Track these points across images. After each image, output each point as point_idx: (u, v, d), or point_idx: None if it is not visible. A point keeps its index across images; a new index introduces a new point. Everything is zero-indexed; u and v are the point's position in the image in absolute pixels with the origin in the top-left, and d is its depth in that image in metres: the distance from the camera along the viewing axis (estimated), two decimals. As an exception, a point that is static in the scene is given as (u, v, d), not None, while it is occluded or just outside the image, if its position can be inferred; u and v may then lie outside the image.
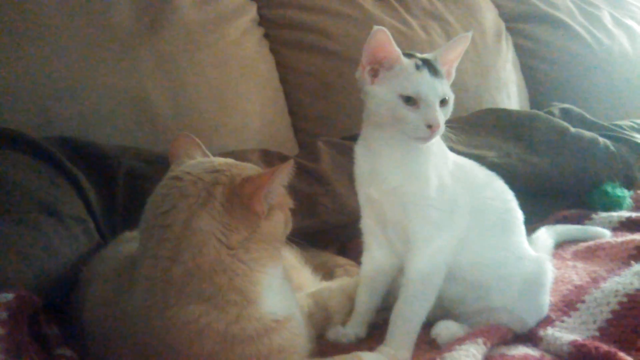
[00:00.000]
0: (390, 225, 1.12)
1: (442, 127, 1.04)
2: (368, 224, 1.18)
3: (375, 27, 1.04)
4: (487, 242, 1.11)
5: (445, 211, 1.08)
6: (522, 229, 1.18)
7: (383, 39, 1.05)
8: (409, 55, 1.08)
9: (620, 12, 2.98)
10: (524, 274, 1.11)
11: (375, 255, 1.17)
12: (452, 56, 1.12)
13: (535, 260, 1.15)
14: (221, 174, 0.94)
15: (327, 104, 2.03)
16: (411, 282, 1.07)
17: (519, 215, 1.17)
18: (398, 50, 1.06)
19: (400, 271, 1.13)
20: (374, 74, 1.07)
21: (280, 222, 0.98)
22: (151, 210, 0.95)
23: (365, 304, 1.18)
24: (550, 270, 1.15)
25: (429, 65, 1.06)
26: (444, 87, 1.06)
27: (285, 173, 0.95)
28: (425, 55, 1.10)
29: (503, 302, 1.09)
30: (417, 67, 1.05)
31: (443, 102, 1.06)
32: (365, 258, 1.19)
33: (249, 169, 0.99)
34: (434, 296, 1.08)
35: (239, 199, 0.92)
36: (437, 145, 1.12)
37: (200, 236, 0.90)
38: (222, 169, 0.96)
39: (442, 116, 1.04)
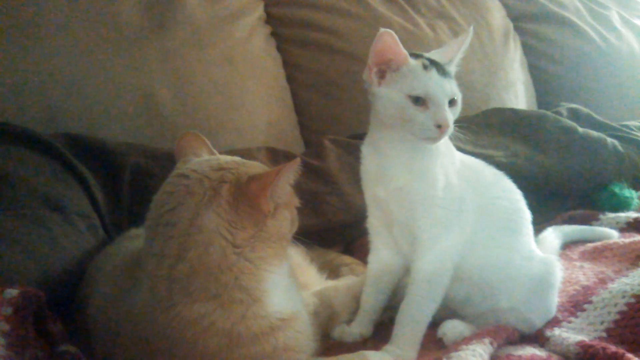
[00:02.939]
0: (397, 225, 1.12)
1: (452, 127, 1.03)
2: (374, 224, 1.17)
3: (382, 30, 1.03)
4: (494, 242, 1.11)
5: (452, 211, 1.07)
6: (530, 229, 1.17)
7: (390, 41, 1.04)
8: (416, 56, 1.07)
9: (629, 12, 2.97)
10: (531, 274, 1.10)
11: (382, 255, 1.17)
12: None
13: (543, 261, 1.14)
14: (227, 172, 0.94)
15: (334, 102, 2.03)
16: (418, 282, 1.07)
17: (527, 215, 1.16)
18: (405, 52, 1.05)
19: (406, 270, 1.13)
20: (381, 75, 1.06)
21: (286, 220, 0.98)
22: (157, 208, 0.95)
23: (371, 303, 1.17)
24: (559, 271, 1.14)
25: (436, 65, 1.05)
26: (452, 87, 1.06)
27: (291, 171, 0.94)
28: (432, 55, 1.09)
29: (510, 302, 1.09)
30: (425, 67, 1.04)
31: (451, 102, 1.05)
32: (372, 257, 1.18)
33: (256, 167, 0.99)
34: (441, 296, 1.07)
35: (245, 197, 0.91)
36: (445, 144, 1.11)
37: (206, 234, 0.90)
38: (228, 167, 0.95)
39: (451, 116, 1.03)
